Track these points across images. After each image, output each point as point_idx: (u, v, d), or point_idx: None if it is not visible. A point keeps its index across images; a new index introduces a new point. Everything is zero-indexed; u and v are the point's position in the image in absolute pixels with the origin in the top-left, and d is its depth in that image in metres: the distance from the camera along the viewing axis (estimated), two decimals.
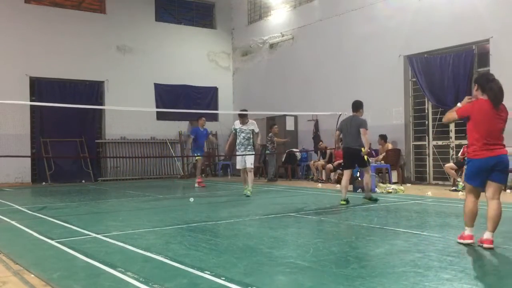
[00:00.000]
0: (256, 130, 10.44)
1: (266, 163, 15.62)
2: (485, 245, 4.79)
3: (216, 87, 19.20)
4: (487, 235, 4.80)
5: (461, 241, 5.02)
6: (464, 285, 3.57)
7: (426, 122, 12.92)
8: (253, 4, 18.93)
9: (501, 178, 4.86)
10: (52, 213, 7.95)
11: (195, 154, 13.15)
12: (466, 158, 5.28)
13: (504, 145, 4.87)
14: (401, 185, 11.59)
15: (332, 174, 14.02)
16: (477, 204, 4.96)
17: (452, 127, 12.20)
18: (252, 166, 10.37)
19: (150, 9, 18.10)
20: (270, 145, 15.20)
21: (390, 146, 13.03)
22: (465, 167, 5.47)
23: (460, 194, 9.35)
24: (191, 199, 9.66)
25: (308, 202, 9.38)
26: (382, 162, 12.76)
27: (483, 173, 4.83)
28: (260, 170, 16.76)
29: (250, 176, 10.38)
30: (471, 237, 4.94)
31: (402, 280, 3.69)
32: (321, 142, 15.03)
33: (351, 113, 12.91)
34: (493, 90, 4.81)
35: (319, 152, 15.04)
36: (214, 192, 11.61)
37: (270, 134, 15.29)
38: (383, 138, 12.97)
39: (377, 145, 13.19)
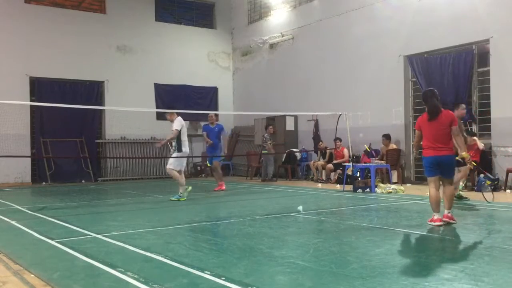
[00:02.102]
0: (172, 127, 9.82)
1: (263, 163, 15.51)
2: (444, 219, 6.08)
3: (216, 87, 19.20)
4: (445, 212, 6.16)
5: (432, 223, 6.10)
6: (464, 285, 3.57)
7: None
8: (253, 4, 18.92)
9: (448, 173, 6.23)
10: (52, 213, 7.95)
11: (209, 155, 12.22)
12: (422, 156, 6.39)
13: (450, 147, 6.11)
14: (401, 185, 11.59)
15: (332, 174, 14.02)
16: (439, 192, 6.19)
17: None
18: (170, 167, 9.81)
19: (150, 9, 18.09)
20: (266, 146, 15.06)
21: (394, 146, 13.01)
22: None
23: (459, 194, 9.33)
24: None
25: (308, 202, 9.38)
26: (383, 162, 12.75)
27: (434, 167, 6.14)
28: (260, 170, 16.75)
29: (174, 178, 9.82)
30: (440, 220, 6.08)
31: (402, 280, 3.69)
32: (321, 142, 15.03)
33: (350, 113, 13.01)
34: (428, 106, 6.18)
35: (319, 152, 15.03)
36: (214, 192, 11.59)
37: (265, 135, 15.19)
38: (387, 137, 12.95)
39: (381, 144, 13.18)
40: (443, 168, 6.13)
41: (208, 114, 12.76)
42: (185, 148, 9.93)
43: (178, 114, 10.30)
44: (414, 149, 6.48)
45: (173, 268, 4.20)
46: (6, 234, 6.30)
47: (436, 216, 6.11)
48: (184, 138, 9.92)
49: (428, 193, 9.90)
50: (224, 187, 11.75)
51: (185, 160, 9.95)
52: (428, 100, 6.18)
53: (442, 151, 6.07)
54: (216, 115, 12.46)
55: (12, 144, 14.04)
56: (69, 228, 6.47)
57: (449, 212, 6.18)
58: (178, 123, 9.84)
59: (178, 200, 9.66)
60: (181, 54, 18.32)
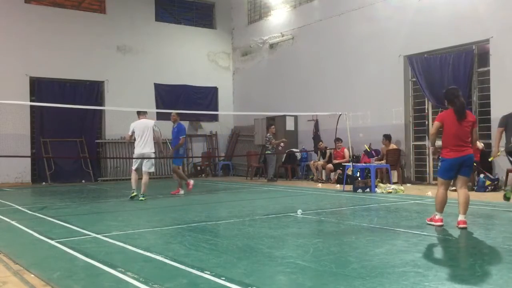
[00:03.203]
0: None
1: (266, 163, 15.59)
2: (460, 226, 5.82)
3: (216, 87, 19.20)
4: (460, 217, 5.89)
5: (432, 223, 6.09)
6: (464, 285, 3.57)
7: (426, 122, 12.91)
8: (253, 4, 18.92)
9: (467, 172, 6.05)
10: (52, 213, 7.95)
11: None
12: (440, 157, 6.21)
13: (470, 146, 5.97)
14: (401, 185, 11.59)
15: (332, 174, 14.02)
16: (447, 194, 6.09)
17: None
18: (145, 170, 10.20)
19: (150, 9, 18.09)
20: (269, 146, 15.13)
21: (394, 146, 13.00)
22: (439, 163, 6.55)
23: None
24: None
25: (308, 202, 9.38)
26: (383, 162, 12.75)
27: (454, 169, 5.97)
28: (260, 170, 16.77)
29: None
30: (441, 220, 6.04)
31: (402, 280, 3.69)
32: (321, 142, 15.03)
33: (350, 113, 13.01)
34: (457, 105, 5.90)
35: (319, 152, 15.03)
36: (215, 192, 11.60)
37: (268, 135, 15.24)
38: (388, 138, 12.93)
39: (381, 144, 13.17)
40: (464, 168, 5.95)
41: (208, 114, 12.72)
42: (136, 149, 10.18)
43: (179, 114, 10.59)
44: (430, 142, 6.14)
45: (173, 268, 4.20)
46: (6, 234, 6.30)
47: (437, 216, 6.06)
48: (137, 139, 10.09)
49: (429, 193, 9.98)
50: (178, 191, 11.11)
51: (137, 161, 10.20)
52: (455, 100, 5.90)
53: (465, 151, 5.91)
54: (178, 114, 11.58)
55: (12, 144, 14.03)
56: (69, 228, 6.47)
57: (464, 217, 5.89)
58: (131, 127, 10.15)
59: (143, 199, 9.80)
60: (181, 54, 18.31)
